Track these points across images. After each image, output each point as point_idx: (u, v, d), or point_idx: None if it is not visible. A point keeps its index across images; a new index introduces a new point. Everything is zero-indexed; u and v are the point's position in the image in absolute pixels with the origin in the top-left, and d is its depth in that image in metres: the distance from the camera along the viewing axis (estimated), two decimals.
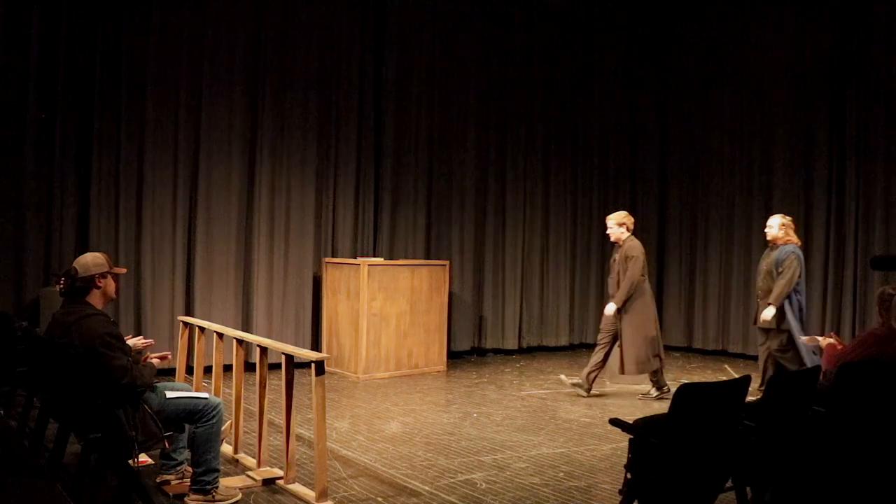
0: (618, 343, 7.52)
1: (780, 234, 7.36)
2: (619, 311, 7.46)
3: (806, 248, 9.90)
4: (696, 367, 9.82)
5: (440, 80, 9.94)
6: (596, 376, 7.66)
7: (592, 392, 7.68)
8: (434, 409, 7.16)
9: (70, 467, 4.36)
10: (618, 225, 7.61)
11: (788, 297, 7.18)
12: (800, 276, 7.26)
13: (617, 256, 7.61)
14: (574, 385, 7.69)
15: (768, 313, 7.16)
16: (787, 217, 7.50)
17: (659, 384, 7.61)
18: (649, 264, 11.67)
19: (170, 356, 4.52)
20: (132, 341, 4.40)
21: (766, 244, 7.82)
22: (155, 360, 4.32)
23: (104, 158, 7.90)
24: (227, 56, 8.53)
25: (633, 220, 7.74)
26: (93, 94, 7.82)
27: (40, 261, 7.67)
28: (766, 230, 7.51)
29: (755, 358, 10.11)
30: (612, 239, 7.70)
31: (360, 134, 9.42)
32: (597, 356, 7.63)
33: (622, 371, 7.52)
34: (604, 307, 11.09)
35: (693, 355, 10.68)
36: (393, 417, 6.73)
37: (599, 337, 7.72)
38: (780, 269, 7.19)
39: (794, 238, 7.38)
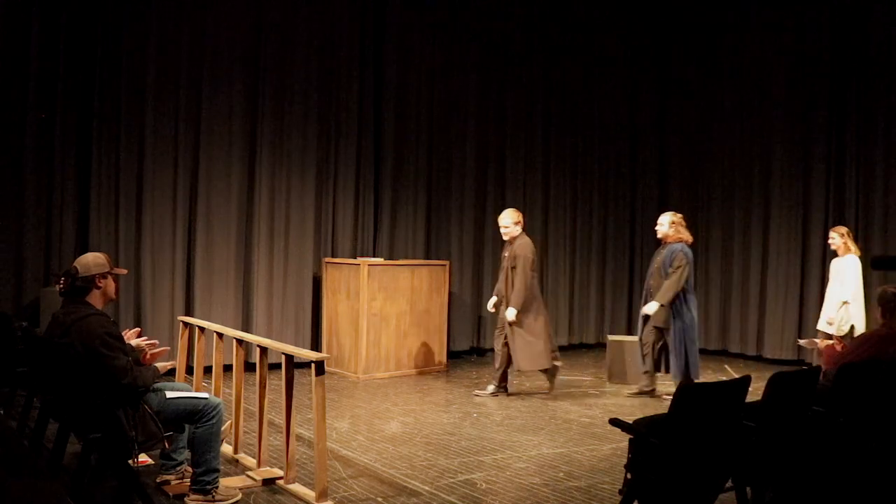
0: (509, 342, 7.48)
1: (671, 231, 7.30)
2: (507, 310, 7.41)
3: (805, 247, 9.92)
4: None
5: (440, 80, 9.94)
6: (506, 372, 7.67)
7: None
8: (434, 409, 7.16)
9: (70, 467, 4.37)
10: (514, 224, 7.53)
11: (677, 297, 7.13)
12: (688, 276, 7.22)
13: (507, 254, 7.57)
14: (492, 394, 7.64)
15: (651, 308, 7.10)
16: (678, 214, 7.44)
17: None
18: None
19: (173, 363, 4.51)
20: (135, 341, 4.40)
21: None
22: (160, 365, 4.31)
23: (104, 158, 7.90)
24: (227, 56, 8.51)
25: (522, 216, 7.68)
26: (93, 94, 7.82)
27: (40, 261, 7.66)
28: (656, 227, 7.44)
29: (756, 358, 10.17)
30: (506, 237, 7.59)
31: (360, 134, 9.41)
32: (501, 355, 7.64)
33: (518, 368, 7.54)
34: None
35: None
36: (393, 417, 6.73)
37: (497, 332, 7.67)
38: (670, 269, 7.12)
39: (684, 236, 7.30)
